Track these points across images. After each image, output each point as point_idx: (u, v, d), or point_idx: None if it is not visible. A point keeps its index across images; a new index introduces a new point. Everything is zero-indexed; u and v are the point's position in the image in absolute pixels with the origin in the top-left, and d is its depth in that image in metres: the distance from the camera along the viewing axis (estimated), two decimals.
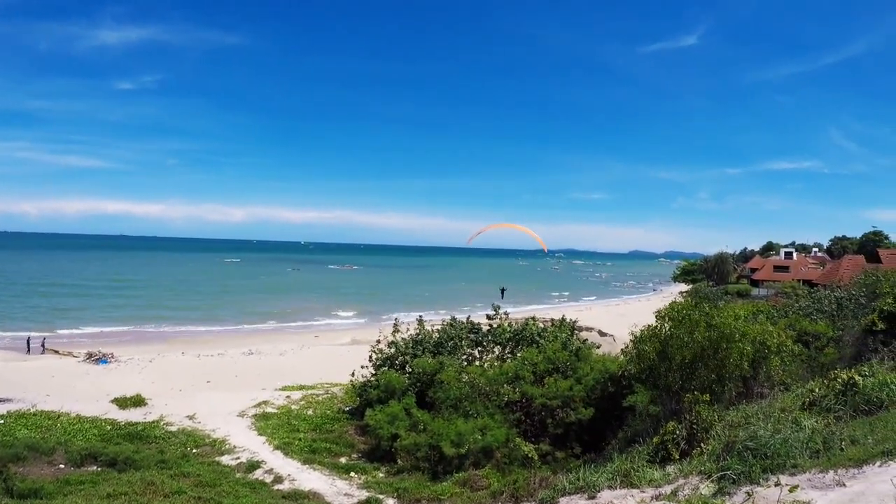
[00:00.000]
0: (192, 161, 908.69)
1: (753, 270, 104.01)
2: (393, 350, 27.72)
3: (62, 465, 18.42)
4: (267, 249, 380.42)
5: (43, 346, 46.47)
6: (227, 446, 21.78)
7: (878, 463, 7.60)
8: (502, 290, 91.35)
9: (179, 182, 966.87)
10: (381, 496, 17.14)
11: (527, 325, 29.28)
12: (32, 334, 48.00)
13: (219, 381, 34.82)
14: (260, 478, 18.61)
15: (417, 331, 29.10)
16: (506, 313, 30.78)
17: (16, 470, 16.80)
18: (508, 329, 28.95)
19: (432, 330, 29.29)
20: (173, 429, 23.82)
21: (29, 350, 44.96)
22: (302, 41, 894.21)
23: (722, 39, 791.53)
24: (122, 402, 27.20)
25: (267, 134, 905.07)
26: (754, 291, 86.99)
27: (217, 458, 20.34)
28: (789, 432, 9.18)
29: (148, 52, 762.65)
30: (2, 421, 23.63)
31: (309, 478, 18.83)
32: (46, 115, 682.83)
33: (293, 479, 18.50)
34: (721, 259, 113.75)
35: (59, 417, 24.54)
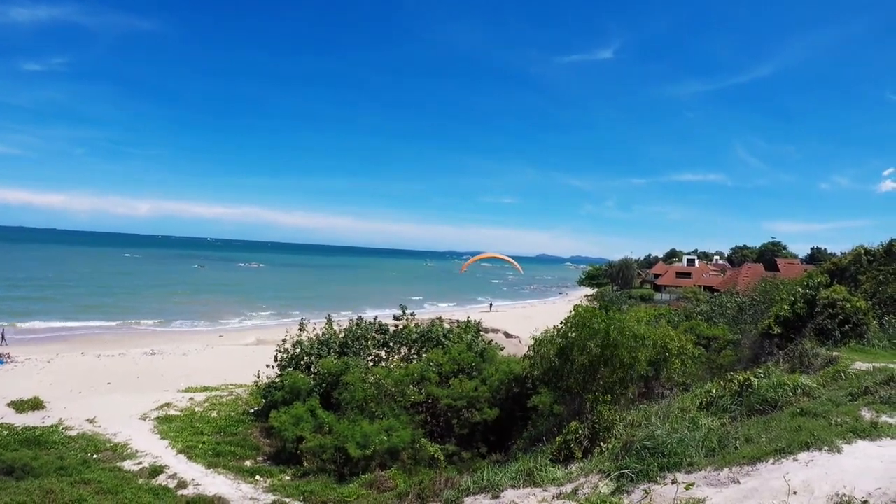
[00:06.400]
0: (99, 150, 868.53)
1: (657, 276, 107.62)
2: (298, 350, 27.24)
3: None
4: (172, 245, 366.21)
5: (3, 336, 43.61)
6: (128, 451, 21.03)
7: (771, 461, 7.81)
8: (490, 305, 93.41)
9: (84, 172, 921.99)
10: (287, 499, 17.11)
11: (433, 326, 29.37)
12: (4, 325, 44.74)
13: (120, 383, 33.11)
14: (163, 483, 18.19)
15: (324, 331, 28.64)
16: (412, 314, 30.67)
17: None
18: (415, 330, 28.88)
19: (339, 330, 28.89)
20: (73, 433, 22.72)
21: (3, 340, 42.60)
22: (216, 32, 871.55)
23: (636, 56, 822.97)
24: (19, 406, 25.83)
25: (176, 126, 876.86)
26: (657, 296, 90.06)
27: (119, 464, 19.66)
28: (686, 431, 9.39)
29: (59, 32, 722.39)
30: None
31: (213, 482, 18.55)
32: None
33: (197, 484, 18.22)
34: (625, 264, 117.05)
35: None
